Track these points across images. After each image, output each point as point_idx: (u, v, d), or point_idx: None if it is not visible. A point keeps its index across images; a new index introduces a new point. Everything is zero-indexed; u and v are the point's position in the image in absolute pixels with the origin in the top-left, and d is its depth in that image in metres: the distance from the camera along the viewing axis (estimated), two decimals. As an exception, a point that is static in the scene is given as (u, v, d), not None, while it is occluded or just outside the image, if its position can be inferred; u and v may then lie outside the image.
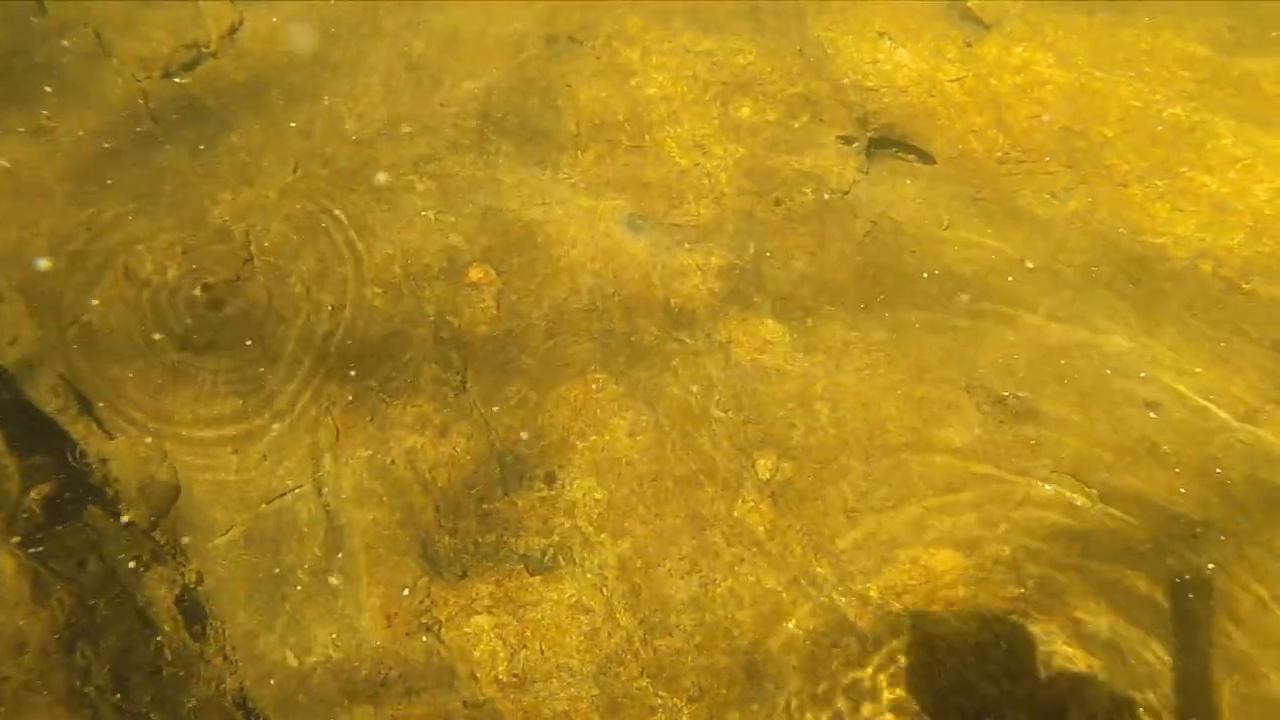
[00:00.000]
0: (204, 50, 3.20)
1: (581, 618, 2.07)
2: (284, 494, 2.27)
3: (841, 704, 1.95)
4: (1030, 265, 2.80)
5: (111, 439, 2.33)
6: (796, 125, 3.10)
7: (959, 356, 2.54)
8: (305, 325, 2.54)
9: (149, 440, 2.33)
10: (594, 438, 2.34)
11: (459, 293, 2.63)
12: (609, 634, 2.05)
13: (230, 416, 2.37)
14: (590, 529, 2.20)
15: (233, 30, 3.26)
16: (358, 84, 3.17)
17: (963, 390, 2.45)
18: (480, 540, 2.20)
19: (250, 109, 3.05)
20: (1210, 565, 2.09)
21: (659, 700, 1.97)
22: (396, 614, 2.09)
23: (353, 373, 2.45)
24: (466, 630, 2.06)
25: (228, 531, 2.24)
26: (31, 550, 2.09)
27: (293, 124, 3.02)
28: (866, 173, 3.05)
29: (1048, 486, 2.24)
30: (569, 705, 1.97)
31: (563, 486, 2.27)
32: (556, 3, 3.44)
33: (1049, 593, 2.05)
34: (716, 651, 2.02)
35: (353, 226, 2.77)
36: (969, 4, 3.41)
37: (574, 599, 2.09)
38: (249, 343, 2.49)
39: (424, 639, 2.06)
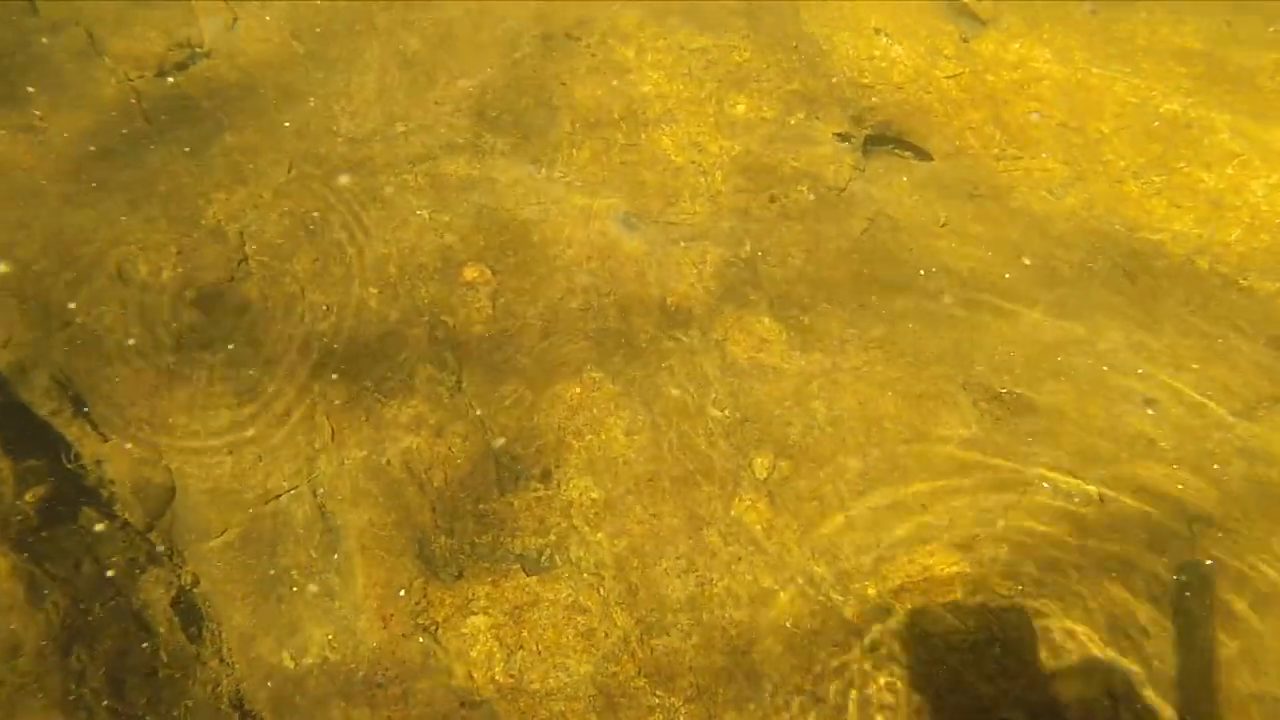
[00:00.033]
0: (197, 49, 3.19)
1: (578, 617, 2.07)
2: (279, 495, 2.26)
3: (839, 702, 1.95)
4: (1027, 262, 2.79)
5: (106, 441, 2.32)
6: (792, 122, 3.09)
7: (956, 353, 2.53)
8: (300, 325, 2.53)
9: (143, 442, 2.32)
10: (590, 437, 2.33)
11: (454, 292, 2.62)
12: (606, 634, 2.04)
13: (225, 418, 2.37)
14: (587, 528, 2.20)
15: (226, 29, 3.25)
16: (352, 82, 3.15)
17: (960, 387, 2.44)
18: (476, 540, 2.20)
19: (244, 108, 3.03)
20: (1208, 561, 2.09)
21: (656, 700, 1.97)
22: (393, 615, 2.09)
23: (347, 373, 2.44)
24: (463, 631, 2.06)
25: (223, 533, 2.23)
26: (26, 553, 2.08)
27: (287, 123, 3.01)
28: (863, 170, 3.04)
29: (1045, 484, 2.23)
30: (566, 705, 1.96)
31: (559, 486, 2.26)
32: (551, 1, 3.43)
33: (1046, 590, 2.05)
34: (714, 651, 2.02)
35: (347, 226, 2.76)
36: (966, 0, 3.40)
37: (570, 599, 2.09)
38: (243, 344, 2.48)
39: (420, 640, 2.05)
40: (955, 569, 2.10)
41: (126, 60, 3.09)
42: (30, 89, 2.96)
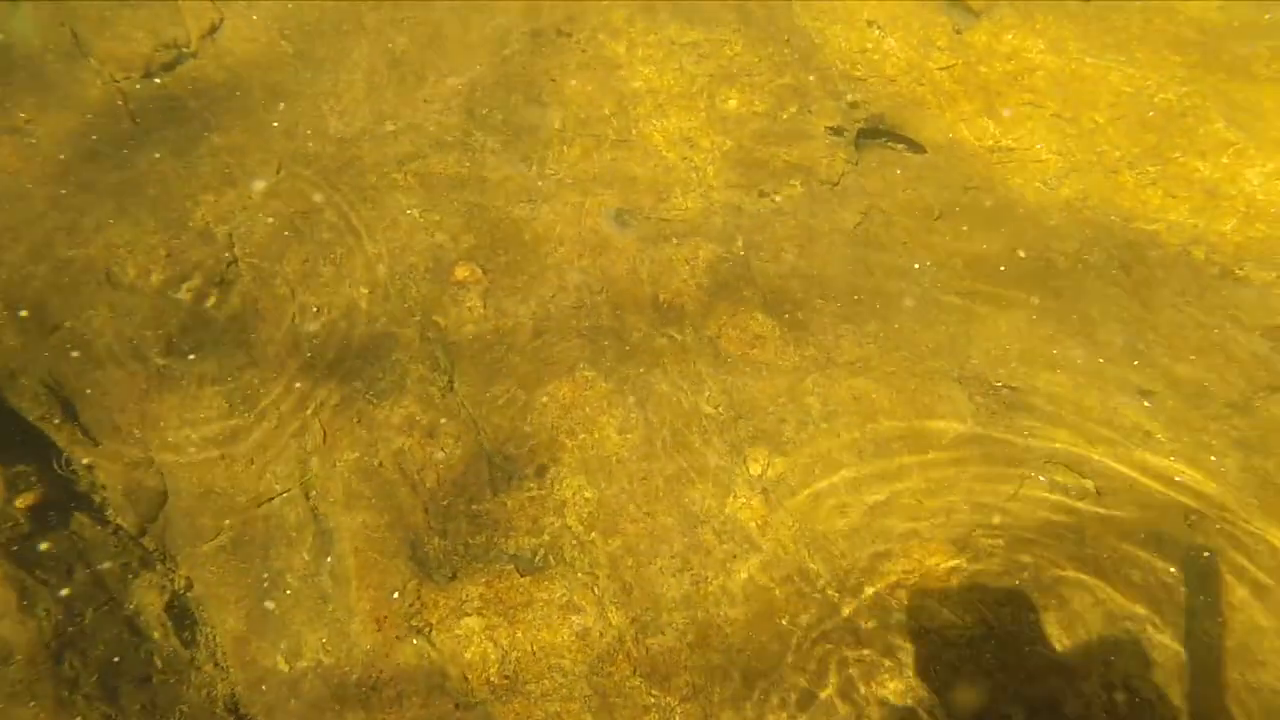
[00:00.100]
0: (184, 50, 3.16)
1: (573, 618, 2.05)
2: (272, 498, 2.25)
3: (836, 700, 1.94)
4: (1022, 254, 2.78)
5: (97, 445, 2.30)
6: (785, 116, 3.07)
7: (951, 347, 2.52)
8: (290, 327, 2.51)
9: (135, 446, 2.31)
10: (583, 436, 2.32)
11: (445, 292, 2.60)
12: (601, 633, 2.03)
13: (216, 421, 2.35)
14: (581, 528, 2.19)
15: (213, 29, 3.22)
16: (340, 81, 3.13)
17: (955, 381, 2.43)
18: (470, 541, 2.19)
19: (232, 109, 3.01)
20: (1206, 553, 2.08)
21: (652, 699, 1.96)
22: (387, 617, 2.07)
23: (339, 374, 2.43)
24: (457, 632, 2.04)
25: (216, 537, 2.21)
26: (17, 559, 2.06)
27: (275, 123, 2.98)
28: (856, 163, 3.02)
29: (1041, 477, 2.22)
30: (561, 706, 1.95)
31: (552, 485, 2.25)
32: (541, -4, 3.40)
33: (1043, 584, 2.04)
34: (709, 649, 2.01)
35: (337, 226, 2.74)
36: (958, -9, 3.37)
37: (565, 599, 2.08)
38: (234, 346, 2.47)
39: (415, 642, 2.04)
40: (951, 564, 2.09)
41: (112, 61, 3.06)
42: (14, 90, 2.93)
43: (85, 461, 2.27)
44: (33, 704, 1.90)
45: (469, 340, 2.51)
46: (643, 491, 2.23)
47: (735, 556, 2.13)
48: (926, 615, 2.02)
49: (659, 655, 2.01)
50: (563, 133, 3.01)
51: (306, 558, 2.17)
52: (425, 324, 2.54)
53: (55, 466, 2.26)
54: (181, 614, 2.14)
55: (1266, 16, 3.21)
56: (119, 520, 2.23)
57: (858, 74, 3.23)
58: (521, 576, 2.11)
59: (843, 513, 2.19)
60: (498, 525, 2.20)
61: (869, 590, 2.07)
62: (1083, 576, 2.04)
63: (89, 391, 2.36)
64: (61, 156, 2.79)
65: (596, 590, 2.09)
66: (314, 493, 2.25)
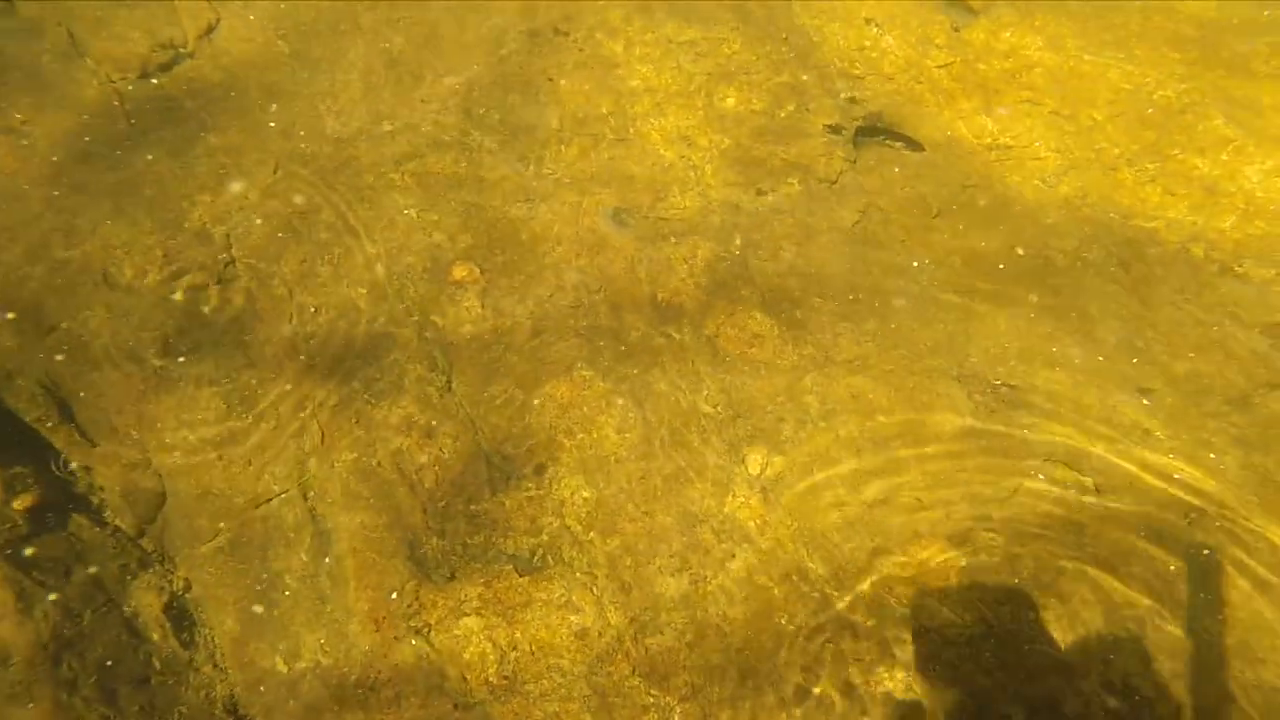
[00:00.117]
0: (180, 50, 3.15)
1: (571, 617, 2.05)
2: (270, 499, 2.25)
3: (835, 699, 1.94)
4: (1021, 251, 2.77)
5: (94, 447, 2.30)
6: (782, 115, 3.07)
7: (950, 345, 2.52)
8: (288, 328, 2.51)
9: (132, 448, 2.30)
10: (581, 435, 2.32)
11: (443, 292, 2.60)
12: (599, 633, 2.03)
13: (214, 422, 2.34)
14: (579, 528, 2.18)
15: (209, 29, 3.21)
16: (337, 81, 3.12)
17: (954, 379, 2.42)
18: (468, 541, 2.18)
19: (228, 109, 3.00)
20: (1206, 550, 2.07)
21: (651, 699, 1.95)
22: (385, 618, 2.07)
23: (336, 375, 2.42)
24: (456, 633, 2.04)
25: (214, 538, 2.21)
26: (15, 561, 2.06)
27: (272, 124, 2.98)
28: (854, 161, 3.02)
29: (1041, 475, 2.22)
30: (560, 706, 1.95)
31: (551, 485, 2.25)
32: (538, -5, 3.40)
33: (1043, 582, 2.04)
34: (708, 649, 2.01)
35: (335, 226, 2.73)
36: (956, -12, 3.37)
37: (564, 599, 2.07)
38: (231, 347, 2.46)
39: (413, 642, 2.04)
40: (951, 562, 2.08)
41: (108, 61, 3.06)
42: (10, 91, 2.92)
43: (83, 463, 2.27)
44: (31, 705, 1.89)
45: (467, 340, 2.51)
46: (641, 491, 2.23)
47: (734, 555, 2.13)
48: (926, 614, 2.02)
49: (658, 655, 2.00)
50: (560, 132, 3.00)
51: (305, 558, 2.17)
52: (423, 324, 2.53)
53: (53, 468, 2.25)
54: (180, 615, 2.13)
55: (1265, 13, 3.21)
56: (117, 522, 2.22)
57: (856, 72, 3.23)
58: (520, 576, 2.11)
59: (841, 511, 2.19)
60: (496, 525, 2.20)
61: (868, 589, 2.07)
62: (1082, 574, 2.04)
63: (86, 393, 2.36)
64: (57, 157, 2.79)
65: (595, 590, 2.09)
66: (312, 493, 2.25)
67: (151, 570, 2.19)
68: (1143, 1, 3.25)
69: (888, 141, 3.11)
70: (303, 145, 2.93)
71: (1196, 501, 2.16)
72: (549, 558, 2.15)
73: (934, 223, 2.85)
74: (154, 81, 3.06)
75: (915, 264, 2.72)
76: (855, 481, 2.23)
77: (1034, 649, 1.95)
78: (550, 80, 3.15)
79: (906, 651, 1.97)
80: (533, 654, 2.01)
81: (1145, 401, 2.38)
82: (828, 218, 2.83)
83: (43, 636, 1.98)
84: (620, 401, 2.37)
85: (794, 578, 2.09)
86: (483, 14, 3.34)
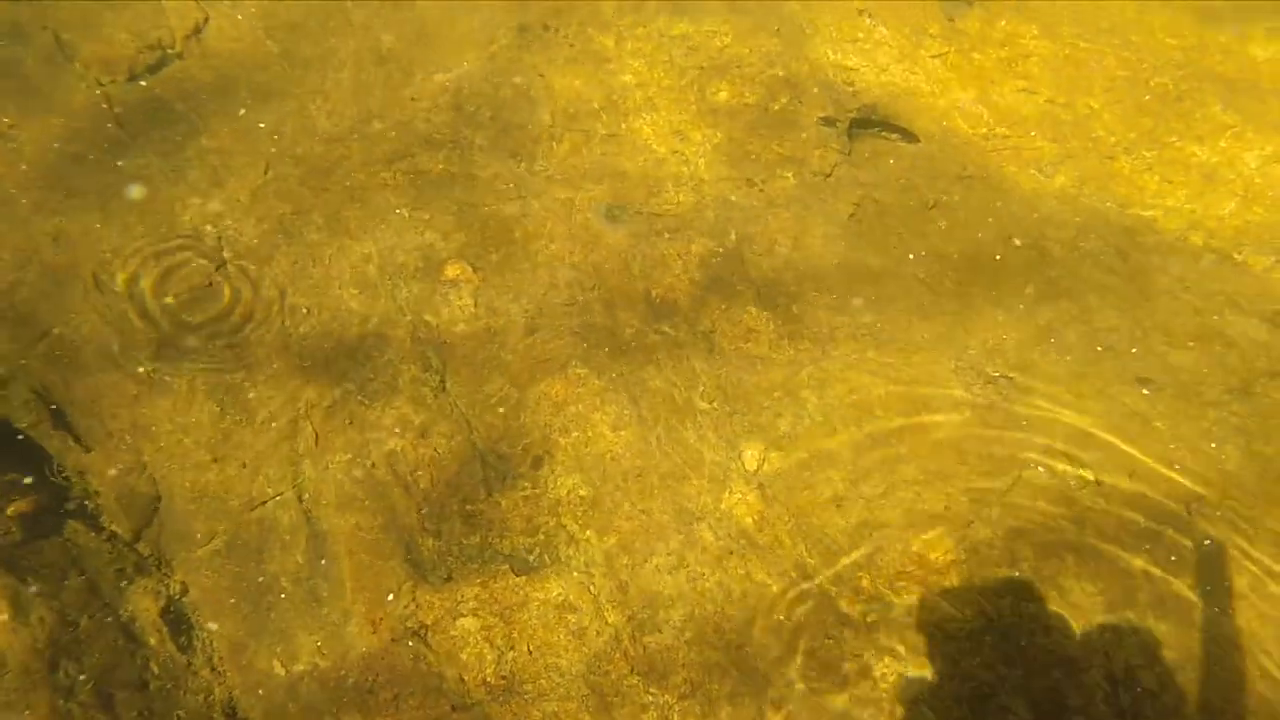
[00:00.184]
0: (168, 51, 3.13)
1: (569, 617, 2.04)
2: (265, 501, 2.24)
3: (835, 694, 1.93)
4: (1018, 242, 2.75)
5: (88, 452, 2.29)
6: (776, 108, 3.04)
7: (948, 338, 2.50)
8: (281, 329, 2.49)
9: (127, 452, 2.29)
10: (577, 434, 2.30)
11: (436, 291, 2.58)
12: (597, 632, 2.02)
13: (208, 425, 2.33)
14: (575, 526, 2.17)
15: (197, 29, 3.19)
16: (327, 80, 3.10)
17: (952, 372, 2.41)
18: (465, 542, 2.17)
19: (218, 110, 2.98)
20: (1206, 541, 2.06)
21: (650, 697, 1.95)
22: (382, 620, 2.06)
23: (330, 376, 2.41)
24: (453, 634, 2.03)
25: (210, 541, 2.20)
26: (10, 567, 2.05)
27: (262, 124, 2.96)
28: (848, 154, 2.99)
29: (1040, 468, 2.20)
30: (558, 706, 1.94)
31: (546, 484, 2.24)
32: (529, -10, 3.37)
33: (1044, 575, 2.03)
34: (707, 646, 2.00)
35: (326, 227, 2.72)
36: (950, -23, 3.34)
37: (561, 598, 2.06)
38: (224, 349, 2.45)
39: (410, 644, 2.03)
40: (950, 556, 2.07)
41: (96, 63, 3.03)
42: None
43: (77, 468, 2.26)
44: (28, 713, 1.89)
45: (461, 339, 2.49)
46: (637, 489, 2.22)
47: (731, 552, 2.12)
48: (925, 608, 2.01)
49: (656, 653, 2.00)
50: (552, 128, 2.98)
51: (301, 561, 2.16)
52: (416, 324, 2.52)
53: (47, 474, 2.24)
54: (177, 619, 2.13)
55: (1263, -4, 3.18)
56: (112, 526, 2.21)
57: (850, 63, 3.20)
58: (517, 576, 2.10)
59: (840, 506, 2.17)
60: (492, 525, 2.19)
61: (867, 584, 2.06)
62: (1083, 566, 2.03)
63: (79, 398, 2.34)
64: (46, 161, 2.77)
65: (592, 589, 2.08)
66: (307, 496, 2.24)
67: (148, 575, 2.18)
68: (1139, -13, 3.23)
69: (882, 133, 3.09)
70: (293, 145, 2.91)
71: (1198, 491, 2.15)
72: (546, 557, 2.14)
73: (930, 214, 2.83)
74: (142, 83, 3.04)
75: (911, 256, 2.70)
76: (853, 476, 2.22)
77: (1035, 642, 1.94)
78: (541, 76, 3.12)
79: (906, 646, 1.96)
80: (530, 654, 2.00)
81: (1145, 391, 2.36)
82: (823, 211, 2.81)
83: (38, 643, 1.98)
84: (615, 399, 2.36)
85: (792, 573, 2.08)
86: (473, 10, 3.32)
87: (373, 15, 3.30)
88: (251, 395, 2.37)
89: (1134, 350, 2.46)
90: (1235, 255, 2.71)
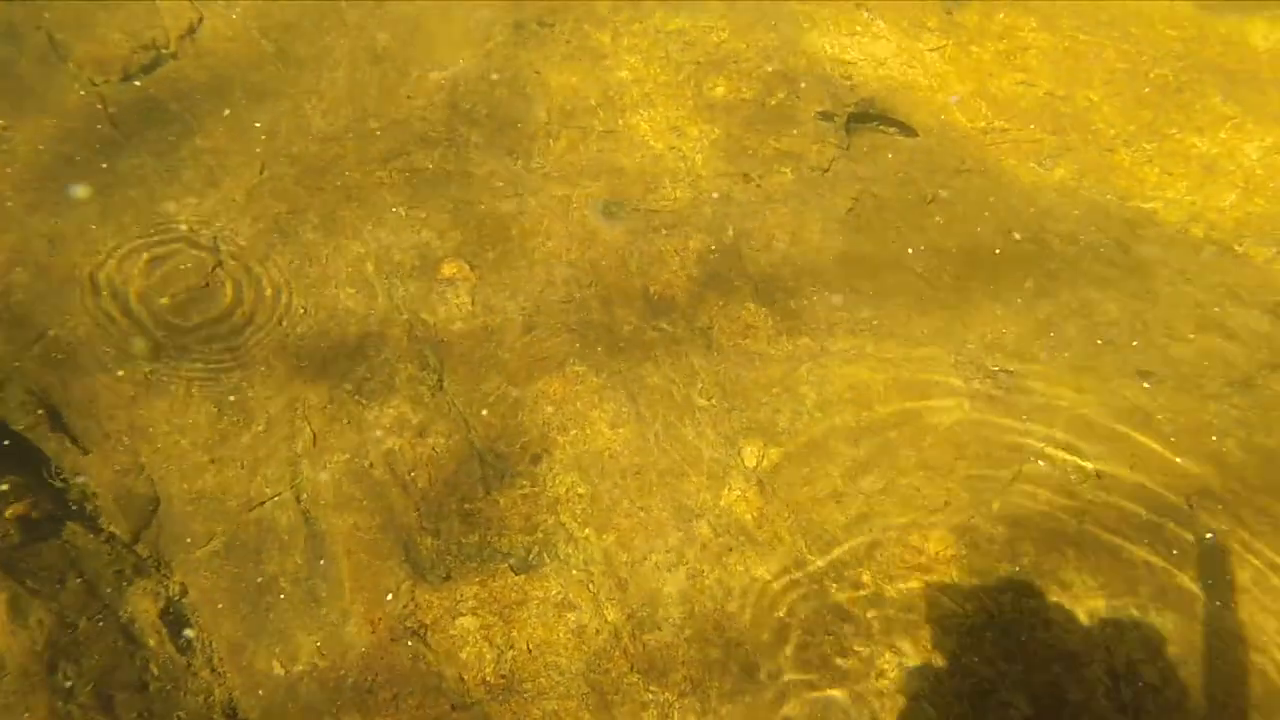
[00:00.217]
0: (163, 51, 3.12)
1: (568, 615, 2.04)
2: (263, 502, 2.23)
3: (837, 692, 1.92)
4: (1017, 236, 2.74)
5: (86, 454, 2.28)
6: (773, 103, 3.03)
7: (947, 332, 2.49)
8: (278, 329, 2.48)
9: (124, 453, 2.29)
10: (575, 432, 2.30)
11: (433, 289, 2.57)
12: (597, 630, 2.02)
13: (205, 425, 2.33)
14: (574, 525, 2.16)
15: (191, 29, 3.18)
16: (322, 79, 3.09)
17: (952, 367, 2.40)
18: (463, 541, 2.17)
19: (213, 110, 2.97)
20: (1208, 535, 2.05)
21: (650, 695, 1.94)
22: (381, 619, 2.06)
23: (327, 376, 2.40)
24: (452, 633, 2.03)
25: (209, 542, 2.20)
26: (8, 570, 2.05)
27: (257, 123, 2.95)
28: (846, 148, 2.98)
29: (1040, 462, 2.19)
30: (558, 704, 1.94)
31: (545, 482, 2.23)
32: (524, -13, 3.35)
33: (1044, 570, 2.02)
34: (707, 644, 1.99)
35: (322, 226, 2.71)
36: (948, -30, 3.32)
37: (560, 596, 2.06)
38: (221, 350, 2.44)
39: (409, 643, 2.03)
40: (951, 551, 2.06)
41: (90, 64, 3.02)
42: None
43: (75, 470, 2.25)
44: (27, 715, 1.88)
45: (458, 338, 2.48)
46: (636, 486, 2.21)
47: (731, 549, 2.11)
48: (926, 603, 2.00)
49: (656, 651, 1.99)
50: (548, 125, 2.97)
51: (299, 561, 2.15)
52: (414, 322, 2.51)
53: (46, 476, 2.24)
54: (177, 620, 2.12)
55: (1263, -13, 3.16)
56: (111, 528, 2.21)
57: (847, 57, 3.18)
58: (516, 575, 2.09)
59: (839, 502, 2.17)
60: (491, 524, 2.18)
61: (867, 580, 2.05)
62: (1084, 560, 2.02)
63: (76, 399, 2.34)
64: (40, 163, 2.76)
65: (592, 587, 2.07)
66: (305, 496, 2.23)
67: (147, 576, 2.17)
68: (1138, -21, 3.21)
69: (881, 127, 3.07)
70: (288, 145, 2.90)
71: (1199, 484, 2.14)
72: (544, 555, 2.13)
73: (928, 208, 2.81)
74: (136, 83, 3.03)
75: (910, 250, 2.69)
76: (853, 472, 2.21)
77: (1035, 636, 1.93)
78: (537, 73, 3.11)
79: (907, 642, 1.96)
80: (530, 653, 2.00)
81: (1145, 385, 2.35)
82: (821, 206, 2.80)
83: (38, 645, 1.97)
84: (614, 396, 2.35)
85: (792, 570, 2.07)
86: (468, 8, 3.30)
87: (367, 14, 3.28)
88: (249, 396, 2.37)
89: (1134, 343, 2.45)
90: (1236, 247, 2.69)
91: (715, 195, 2.81)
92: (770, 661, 1.96)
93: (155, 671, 2.06)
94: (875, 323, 2.51)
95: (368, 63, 3.14)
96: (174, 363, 2.41)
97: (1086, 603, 1.96)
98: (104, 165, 2.79)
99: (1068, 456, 2.20)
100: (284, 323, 2.49)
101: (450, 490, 2.23)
